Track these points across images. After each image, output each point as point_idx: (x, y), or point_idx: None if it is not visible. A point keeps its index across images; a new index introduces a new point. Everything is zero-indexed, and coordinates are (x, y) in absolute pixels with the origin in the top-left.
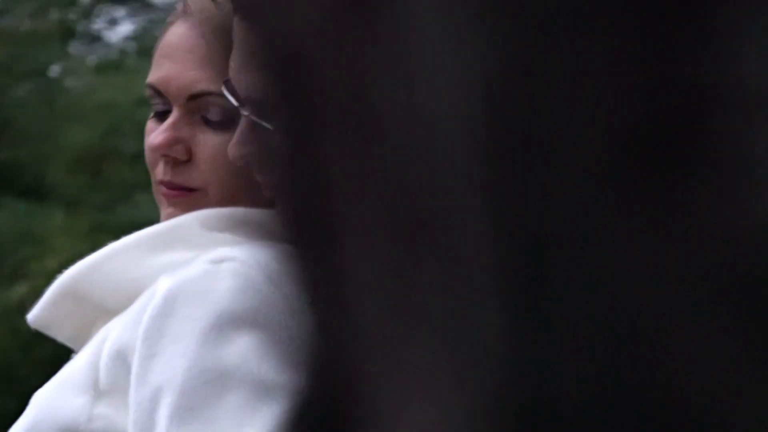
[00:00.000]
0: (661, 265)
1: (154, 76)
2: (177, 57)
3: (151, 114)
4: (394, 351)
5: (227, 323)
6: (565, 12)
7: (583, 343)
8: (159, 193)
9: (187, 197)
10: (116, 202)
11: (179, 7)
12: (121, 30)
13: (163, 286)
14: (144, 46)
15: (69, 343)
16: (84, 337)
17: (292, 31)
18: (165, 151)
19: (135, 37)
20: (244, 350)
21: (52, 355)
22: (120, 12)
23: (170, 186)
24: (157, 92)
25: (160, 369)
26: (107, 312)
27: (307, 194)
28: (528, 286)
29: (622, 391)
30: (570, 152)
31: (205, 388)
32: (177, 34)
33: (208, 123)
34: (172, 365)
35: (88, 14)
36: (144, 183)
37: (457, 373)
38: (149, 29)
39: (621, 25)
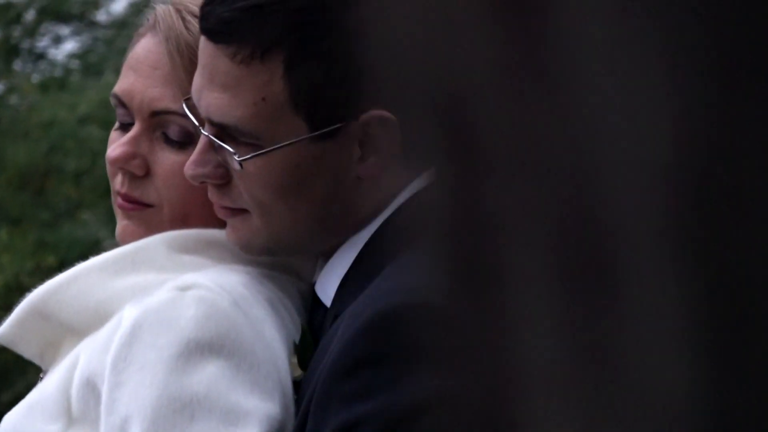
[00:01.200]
0: None
1: (119, 86)
2: (142, 71)
3: (116, 125)
4: (566, 397)
5: (194, 351)
6: (760, 60)
7: None
8: (116, 203)
9: (142, 211)
10: (60, 220)
11: (150, 18)
12: (66, 48)
13: (129, 313)
14: (88, 65)
15: (36, 361)
16: (51, 356)
17: (459, 75)
18: (122, 164)
19: (79, 55)
20: (212, 377)
21: None
22: (64, 30)
23: (126, 198)
24: (122, 103)
25: (128, 398)
26: (74, 332)
27: (473, 237)
28: (723, 332)
29: None
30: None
31: (174, 416)
32: (145, 47)
33: (167, 141)
34: (141, 394)
35: (32, 32)
36: (88, 200)
37: (641, 421)
38: (93, 47)
39: None
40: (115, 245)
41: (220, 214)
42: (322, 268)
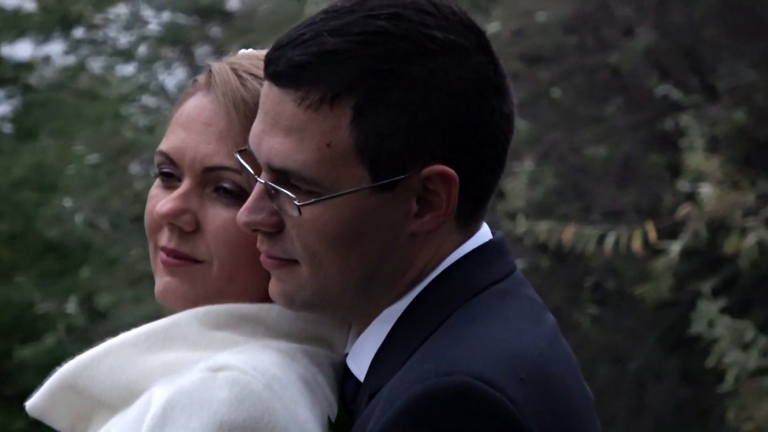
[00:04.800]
0: None
1: (168, 144)
2: (195, 128)
3: (156, 180)
4: None
5: None
6: None
7: None
8: (157, 259)
9: (190, 267)
10: None
11: (201, 78)
12: None
13: (161, 393)
14: (22, 128)
15: None
16: (82, 429)
17: None
18: (171, 219)
19: (12, 119)
20: None
21: None
22: None
23: (175, 255)
24: (170, 160)
25: None
26: (106, 406)
27: None
28: None
29: None
30: None
31: None
32: (197, 105)
33: (219, 197)
34: None
35: None
36: (22, 263)
37: None
38: (27, 111)
39: None
40: (46, 308)
41: (267, 264)
42: (354, 339)
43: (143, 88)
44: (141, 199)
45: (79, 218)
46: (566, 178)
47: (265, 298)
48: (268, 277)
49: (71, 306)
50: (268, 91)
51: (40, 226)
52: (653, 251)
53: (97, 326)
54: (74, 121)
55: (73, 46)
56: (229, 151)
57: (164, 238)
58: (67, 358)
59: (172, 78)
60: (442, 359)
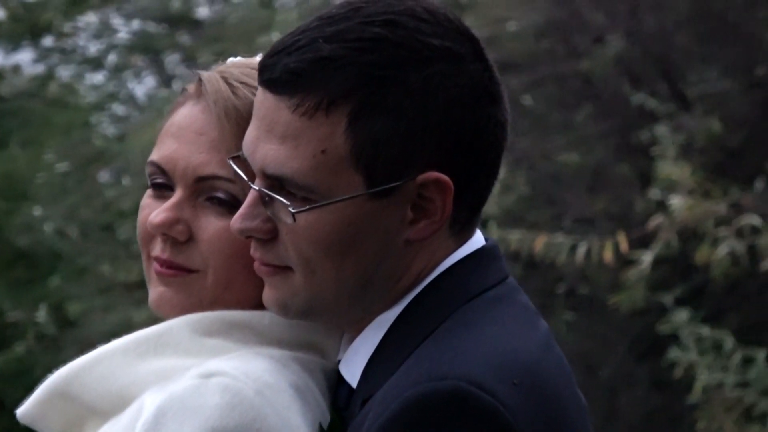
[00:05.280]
0: None
1: (159, 154)
2: (186, 138)
3: (148, 189)
4: None
5: None
6: None
7: None
8: (150, 269)
9: (185, 277)
10: None
11: (189, 88)
12: None
13: (152, 400)
14: None
15: None
16: None
17: None
18: (165, 230)
19: None
20: None
21: None
22: None
23: (169, 265)
24: (161, 170)
25: None
26: (98, 414)
27: None
28: None
29: None
30: None
31: None
32: (188, 114)
33: (212, 206)
34: None
35: None
36: None
37: None
38: None
39: None
40: (16, 316)
41: (261, 272)
42: (347, 346)
43: (113, 97)
44: (111, 207)
45: (49, 227)
46: (538, 186)
47: (261, 306)
48: (263, 285)
49: (41, 314)
50: (262, 98)
51: (10, 235)
52: (625, 261)
53: (67, 335)
54: (44, 130)
55: (43, 55)
56: (221, 160)
57: (157, 249)
58: (37, 366)
59: (142, 86)
60: (435, 364)
